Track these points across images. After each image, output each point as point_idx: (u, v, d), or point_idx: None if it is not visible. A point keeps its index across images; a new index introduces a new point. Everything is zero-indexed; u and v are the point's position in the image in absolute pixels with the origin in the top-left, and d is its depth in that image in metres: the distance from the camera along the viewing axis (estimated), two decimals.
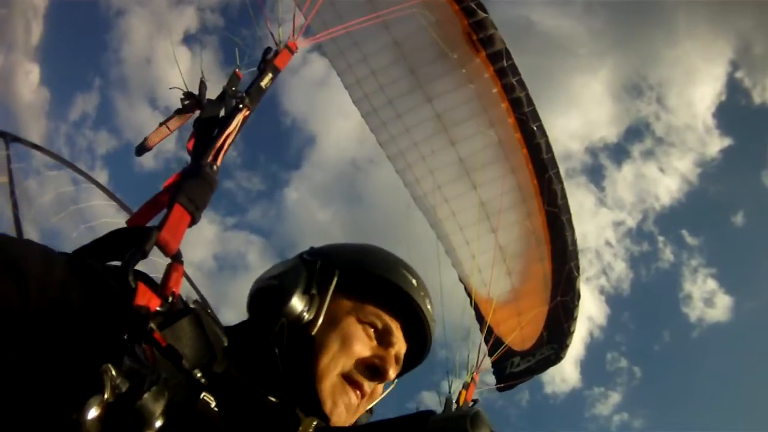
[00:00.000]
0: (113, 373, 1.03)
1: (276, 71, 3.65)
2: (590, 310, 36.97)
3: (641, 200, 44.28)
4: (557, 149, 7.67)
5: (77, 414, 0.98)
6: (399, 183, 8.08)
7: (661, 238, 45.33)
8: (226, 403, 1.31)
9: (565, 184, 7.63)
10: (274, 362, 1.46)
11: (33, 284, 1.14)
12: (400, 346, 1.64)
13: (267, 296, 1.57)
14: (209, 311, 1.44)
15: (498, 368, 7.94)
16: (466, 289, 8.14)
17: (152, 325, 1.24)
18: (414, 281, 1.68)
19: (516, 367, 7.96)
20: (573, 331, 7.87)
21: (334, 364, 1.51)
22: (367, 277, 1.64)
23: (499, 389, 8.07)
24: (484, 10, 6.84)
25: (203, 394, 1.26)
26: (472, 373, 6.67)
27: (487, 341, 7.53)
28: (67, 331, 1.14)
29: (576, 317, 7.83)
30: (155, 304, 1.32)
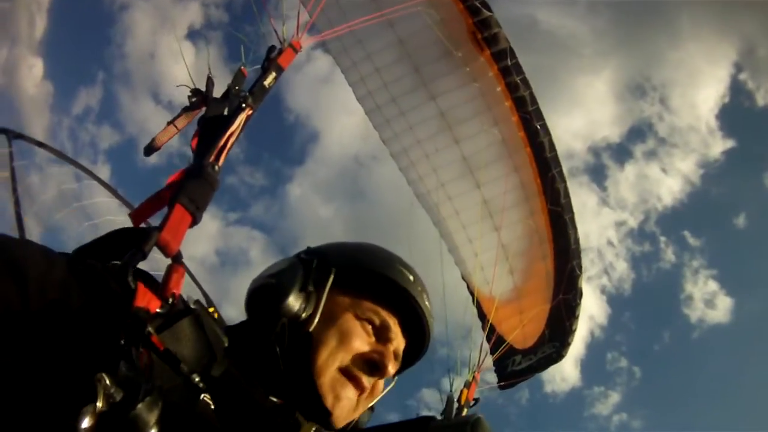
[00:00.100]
0: (107, 382, 1.03)
1: (280, 70, 3.65)
2: (591, 309, 36.84)
3: (643, 200, 44.11)
4: (560, 148, 7.67)
5: (71, 423, 0.99)
6: (402, 180, 8.09)
7: (662, 239, 45.14)
8: (224, 408, 1.32)
9: (568, 184, 7.63)
10: (275, 362, 1.47)
11: (33, 285, 1.13)
12: (398, 341, 1.64)
13: (265, 295, 1.56)
14: (212, 310, 1.44)
15: (499, 366, 7.94)
16: (468, 287, 8.14)
17: (150, 328, 1.23)
18: (411, 277, 1.67)
19: (517, 365, 7.96)
20: (575, 330, 7.87)
21: (332, 359, 1.50)
22: (364, 274, 1.64)
23: (501, 387, 8.07)
24: (489, 9, 6.83)
25: (201, 397, 1.27)
26: (474, 371, 6.67)
27: (488, 339, 7.54)
28: (66, 335, 1.14)
29: (578, 316, 7.83)
30: (155, 306, 1.32)
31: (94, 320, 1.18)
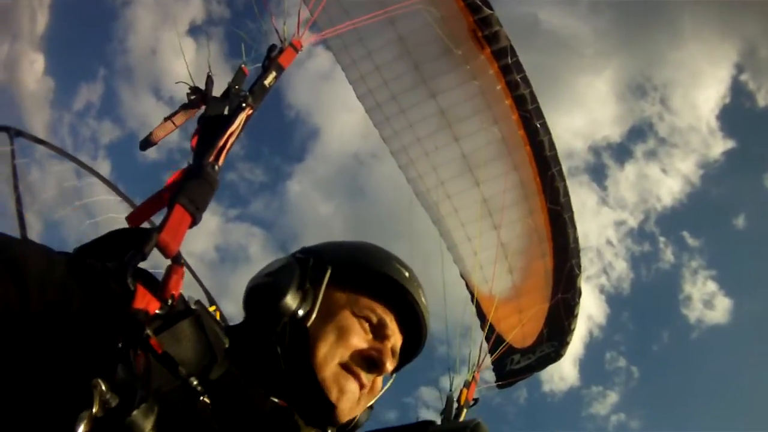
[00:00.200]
0: (103, 388, 1.03)
1: (280, 69, 3.63)
2: (590, 309, 36.99)
3: (643, 200, 44.25)
4: (560, 147, 7.67)
5: (67, 428, 0.99)
6: (402, 178, 8.09)
7: (662, 239, 45.32)
8: (222, 411, 1.32)
9: (568, 183, 7.63)
10: (276, 362, 1.47)
11: (33, 285, 1.13)
12: (395, 338, 1.64)
13: (262, 294, 1.57)
14: (214, 309, 1.44)
15: (498, 365, 7.95)
16: (467, 285, 8.15)
17: (149, 331, 1.23)
18: (406, 273, 1.67)
19: (516, 364, 7.96)
20: (573, 329, 7.87)
21: (332, 354, 1.50)
22: (360, 271, 1.64)
23: (499, 387, 8.07)
24: (490, 7, 6.82)
25: (201, 399, 1.28)
26: (473, 371, 6.67)
27: (488, 338, 7.54)
28: (65, 337, 1.14)
29: (577, 315, 7.84)
30: (154, 307, 1.32)
31: (94, 322, 1.18)
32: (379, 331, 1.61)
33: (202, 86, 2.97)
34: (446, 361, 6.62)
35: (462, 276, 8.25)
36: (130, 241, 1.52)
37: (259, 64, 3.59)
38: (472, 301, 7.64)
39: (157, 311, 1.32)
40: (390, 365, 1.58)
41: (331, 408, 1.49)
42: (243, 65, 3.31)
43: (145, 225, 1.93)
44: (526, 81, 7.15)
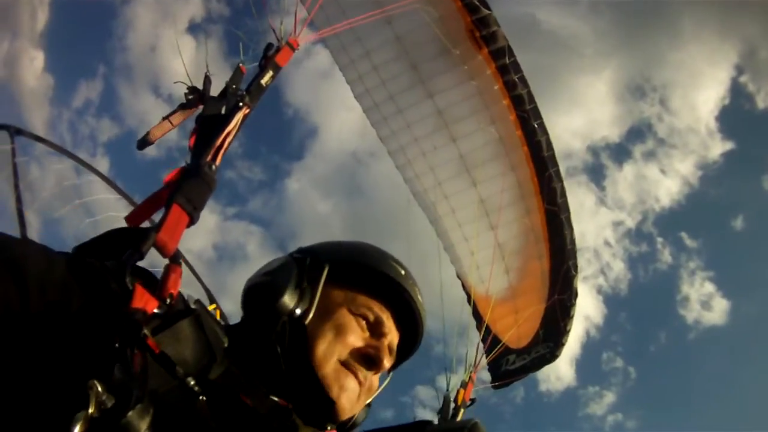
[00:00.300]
0: (99, 388, 1.03)
1: (277, 68, 3.64)
2: (587, 309, 36.98)
3: (641, 201, 44.23)
4: (559, 147, 7.69)
5: (63, 429, 0.99)
6: (400, 178, 8.10)
7: (660, 240, 45.33)
8: (220, 411, 1.32)
9: (566, 183, 7.64)
10: (276, 361, 1.46)
11: (33, 285, 1.13)
12: (392, 336, 1.64)
13: (260, 293, 1.56)
14: (214, 307, 1.44)
15: (493, 366, 7.95)
16: (463, 285, 8.15)
17: (146, 331, 1.23)
18: (402, 271, 1.67)
19: (511, 364, 7.97)
20: (569, 330, 7.88)
21: (330, 352, 1.50)
22: (357, 269, 1.65)
23: (494, 387, 8.08)
24: (487, 7, 6.82)
25: (200, 398, 1.27)
26: (470, 371, 6.67)
27: (484, 339, 7.54)
28: (64, 337, 1.14)
29: (572, 316, 7.85)
30: (152, 307, 1.31)
31: (93, 322, 1.18)
32: (376, 329, 1.61)
33: (200, 86, 2.97)
34: (443, 360, 6.64)
35: (458, 276, 8.25)
36: (129, 241, 1.52)
37: (258, 63, 3.59)
38: (469, 301, 7.64)
39: (155, 310, 1.32)
40: (387, 362, 1.58)
41: (331, 405, 1.49)
42: (241, 64, 3.31)
43: (145, 224, 1.93)
44: (523, 81, 7.15)
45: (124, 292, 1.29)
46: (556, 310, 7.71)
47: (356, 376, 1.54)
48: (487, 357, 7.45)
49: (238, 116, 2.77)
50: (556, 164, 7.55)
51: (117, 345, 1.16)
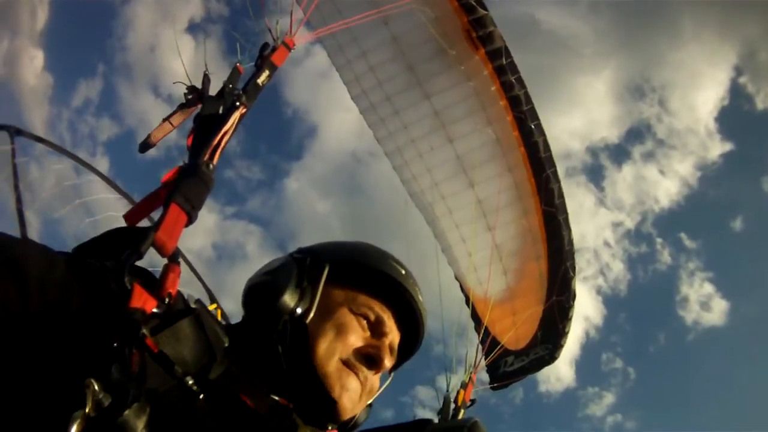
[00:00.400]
0: (96, 387, 1.04)
1: (273, 68, 3.63)
2: (587, 310, 37.16)
3: (640, 202, 44.49)
4: (558, 148, 7.72)
5: (61, 428, 0.99)
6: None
7: (659, 240, 45.59)
8: (219, 410, 1.31)
9: (565, 183, 7.64)
10: (277, 360, 1.46)
11: (33, 285, 1.14)
12: (393, 335, 1.63)
13: (261, 292, 1.56)
14: (215, 307, 1.43)
15: (492, 367, 7.96)
16: (461, 287, 8.14)
17: (145, 330, 1.22)
18: (403, 271, 1.68)
19: (510, 366, 7.97)
20: (567, 332, 7.89)
21: (332, 351, 1.50)
22: (357, 269, 1.65)
23: (493, 388, 8.09)
24: (484, 7, 6.83)
25: (198, 400, 1.26)
26: (470, 372, 6.67)
27: (483, 340, 7.54)
28: (63, 336, 1.13)
29: (571, 318, 7.85)
30: (151, 306, 1.31)
31: (92, 321, 1.18)
32: (377, 329, 1.61)
33: (199, 85, 2.97)
34: (443, 360, 6.64)
35: (456, 278, 8.24)
36: (127, 240, 1.52)
37: (254, 63, 3.59)
38: (467, 303, 7.63)
39: (154, 310, 1.31)
40: (388, 362, 1.58)
41: (332, 404, 1.48)
42: (238, 64, 3.31)
43: (145, 223, 1.92)
44: (520, 82, 7.15)
45: (123, 291, 1.29)
46: (554, 311, 7.71)
47: (357, 376, 1.53)
48: (485, 359, 7.45)
49: (235, 116, 2.77)
50: (553, 165, 7.56)
51: (115, 344, 1.16)
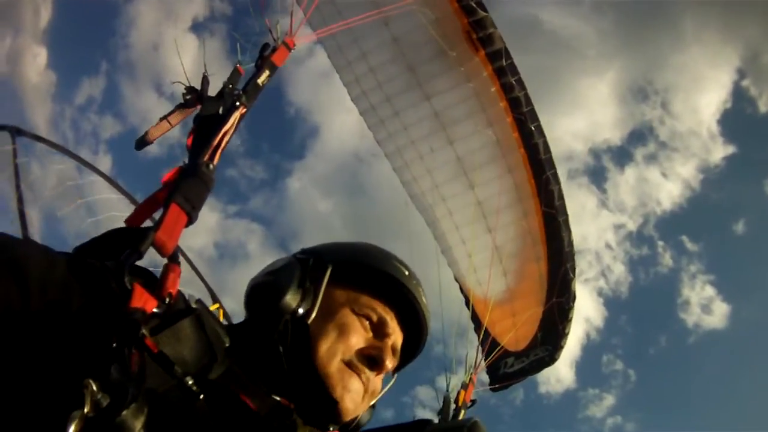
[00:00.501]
0: (94, 387, 1.04)
1: (273, 68, 3.64)
2: (588, 311, 37.15)
3: (642, 204, 44.49)
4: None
5: (59, 428, 0.99)
6: None
7: (660, 243, 45.61)
8: (218, 410, 1.31)
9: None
10: (278, 360, 1.46)
11: (34, 284, 1.14)
12: (396, 337, 1.62)
13: (263, 292, 1.56)
14: (216, 307, 1.43)
15: (492, 368, 7.95)
16: (461, 288, 8.14)
17: (144, 330, 1.22)
18: (406, 272, 1.67)
19: (510, 367, 7.97)
20: (567, 333, 7.88)
21: (333, 351, 1.49)
22: (360, 270, 1.64)
23: (493, 390, 8.09)
24: (484, 9, 6.83)
25: (198, 400, 1.25)
26: (471, 373, 6.67)
27: (483, 341, 7.53)
28: (63, 336, 1.13)
29: (571, 319, 7.85)
30: (152, 306, 1.31)
31: (92, 321, 1.18)
32: (379, 330, 1.60)
33: (199, 86, 2.97)
34: (443, 360, 6.65)
35: (456, 279, 8.24)
36: (127, 241, 1.51)
37: (254, 64, 3.59)
38: (467, 304, 7.63)
39: (154, 310, 1.31)
40: (390, 363, 1.57)
41: (333, 405, 1.47)
42: (238, 64, 3.32)
43: (146, 223, 1.92)
44: (520, 83, 7.15)
45: (123, 291, 1.28)
46: (554, 312, 7.71)
47: (359, 377, 1.52)
48: (485, 360, 7.44)
49: (235, 116, 2.78)
50: (553, 166, 7.56)
51: (114, 344, 1.16)
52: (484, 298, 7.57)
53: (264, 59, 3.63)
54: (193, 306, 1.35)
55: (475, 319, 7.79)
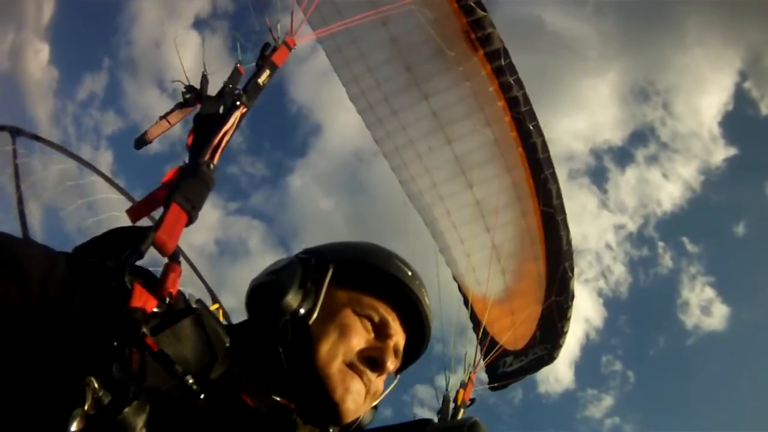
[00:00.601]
0: (95, 385, 1.05)
1: (274, 68, 3.63)
2: (587, 311, 37.05)
3: (643, 205, 44.32)
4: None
5: (61, 425, 1.00)
6: None
7: (661, 244, 45.38)
8: (219, 409, 1.31)
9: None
10: (278, 360, 1.46)
11: (34, 284, 1.15)
12: (398, 337, 1.63)
13: (264, 292, 1.56)
14: (216, 307, 1.44)
15: (491, 367, 7.96)
16: (460, 288, 8.14)
17: (145, 329, 1.23)
18: (409, 272, 1.67)
19: (508, 366, 7.98)
20: (566, 332, 7.90)
21: (335, 352, 1.49)
22: (362, 270, 1.64)
23: (492, 389, 8.10)
24: (483, 9, 6.82)
25: (199, 399, 1.26)
26: (470, 372, 6.68)
27: (481, 341, 7.54)
28: (64, 334, 1.14)
29: (570, 318, 7.86)
30: (152, 306, 1.31)
31: (93, 320, 1.19)
32: (381, 330, 1.60)
33: (198, 85, 2.97)
34: (442, 359, 6.65)
35: (455, 278, 8.24)
36: (128, 240, 1.51)
37: (255, 63, 3.59)
38: (466, 303, 7.63)
39: (155, 309, 1.31)
40: (392, 364, 1.57)
41: (334, 406, 1.48)
42: (238, 64, 3.31)
43: (146, 222, 1.92)
44: (519, 83, 7.15)
45: (123, 291, 1.29)
46: (553, 311, 7.72)
47: (361, 378, 1.52)
48: (484, 359, 7.44)
49: (236, 115, 2.77)
50: (551, 166, 7.56)
51: (115, 343, 1.17)
52: (482, 297, 7.58)
53: (265, 59, 3.62)
54: (194, 306, 1.36)
55: (474, 318, 7.79)
